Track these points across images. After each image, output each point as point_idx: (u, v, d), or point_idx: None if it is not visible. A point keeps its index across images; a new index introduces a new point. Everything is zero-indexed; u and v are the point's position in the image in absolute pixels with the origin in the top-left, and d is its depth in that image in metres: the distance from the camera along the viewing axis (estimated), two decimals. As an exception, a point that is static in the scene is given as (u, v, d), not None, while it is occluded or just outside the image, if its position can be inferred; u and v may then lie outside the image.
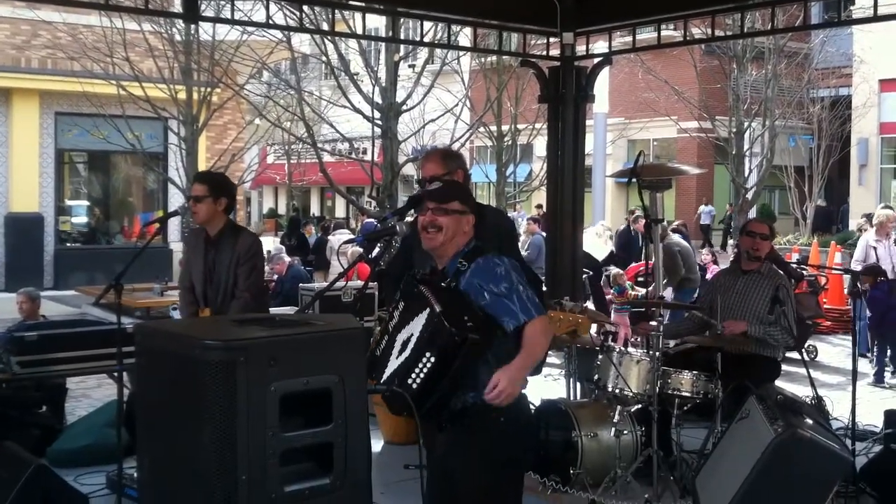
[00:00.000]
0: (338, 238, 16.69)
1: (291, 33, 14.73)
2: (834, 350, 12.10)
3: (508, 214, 6.42)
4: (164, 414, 2.98)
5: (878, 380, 10.06)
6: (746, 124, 20.69)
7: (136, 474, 5.34)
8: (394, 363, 3.44)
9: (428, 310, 3.37)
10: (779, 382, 6.19)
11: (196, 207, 5.66)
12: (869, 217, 16.16)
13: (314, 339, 2.95)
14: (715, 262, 13.58)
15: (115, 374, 5.85)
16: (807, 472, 4.52)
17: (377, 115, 14.37)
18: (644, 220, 7.59)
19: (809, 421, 4.68)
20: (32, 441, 6.45)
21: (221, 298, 5.65)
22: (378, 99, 14.34)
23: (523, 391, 3.64)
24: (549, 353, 7.88)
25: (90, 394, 9.02)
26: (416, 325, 3.41)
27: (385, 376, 3.46)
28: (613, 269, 12.19)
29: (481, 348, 3.38)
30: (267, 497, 2.79)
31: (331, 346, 2.95)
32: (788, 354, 7.28)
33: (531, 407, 4.04)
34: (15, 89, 18.24)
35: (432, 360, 3.33)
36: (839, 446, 4.62)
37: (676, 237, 11.48)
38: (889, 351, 10.26)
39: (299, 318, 3.25)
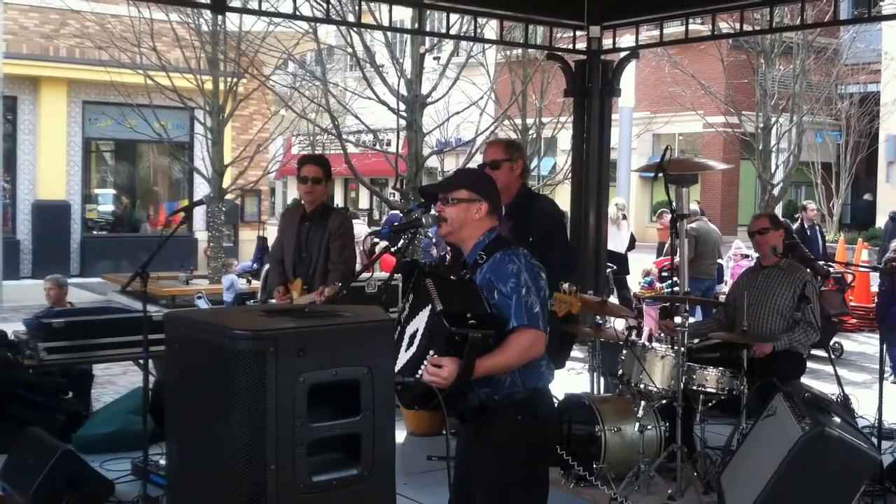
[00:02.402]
0: (355, 229, 16.67)
1: (318, 24, 14.74)
2: (860, 348, 12.00)
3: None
4: (193, 402, 3.00)
5: (896, 375, 9.92)
6: (773, 120, 20.48)
7: (161, 461, 5.40)
8: (403, 356, 3.41)
9: (430, 306, 3.31)
10: (804, 380, 6.16)
11: (314, 189, 6.03)
12: None
13: (344, 330, 2.95)
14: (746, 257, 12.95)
15: (141, 361, 5.88)
16: (834, 470, 4.49)
17: (402, 106, 14.36)
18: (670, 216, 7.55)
19: (837, 419, 4.65)
20: (58, 427, 6.53)
21: (312, 272, 5.98)
22: (403, 91, 14.32)
23: (548, 386, 3.61)
24: (574, 346, 7.94)
25: (115, 381, 9.10)
26: (421, 320, 3.36)
27: (396, 369, 3.40)
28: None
29: (489, 343, 3.30)
30: (295, 487, 2.80)
31: (360, 338, 2.95)
32: (814, 352, 7.24)
33: (555, 401, 4.00)
34: (43, 78, 18.35)
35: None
36: (867, 445, 4.59)
37: (696, 223, 11.30)
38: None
39: (328, 310, 3.25)
